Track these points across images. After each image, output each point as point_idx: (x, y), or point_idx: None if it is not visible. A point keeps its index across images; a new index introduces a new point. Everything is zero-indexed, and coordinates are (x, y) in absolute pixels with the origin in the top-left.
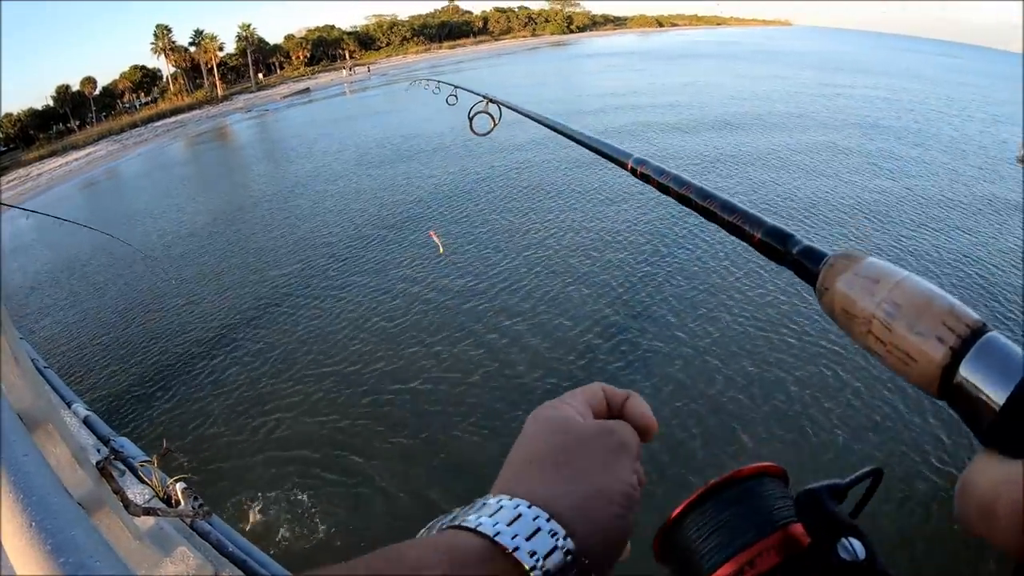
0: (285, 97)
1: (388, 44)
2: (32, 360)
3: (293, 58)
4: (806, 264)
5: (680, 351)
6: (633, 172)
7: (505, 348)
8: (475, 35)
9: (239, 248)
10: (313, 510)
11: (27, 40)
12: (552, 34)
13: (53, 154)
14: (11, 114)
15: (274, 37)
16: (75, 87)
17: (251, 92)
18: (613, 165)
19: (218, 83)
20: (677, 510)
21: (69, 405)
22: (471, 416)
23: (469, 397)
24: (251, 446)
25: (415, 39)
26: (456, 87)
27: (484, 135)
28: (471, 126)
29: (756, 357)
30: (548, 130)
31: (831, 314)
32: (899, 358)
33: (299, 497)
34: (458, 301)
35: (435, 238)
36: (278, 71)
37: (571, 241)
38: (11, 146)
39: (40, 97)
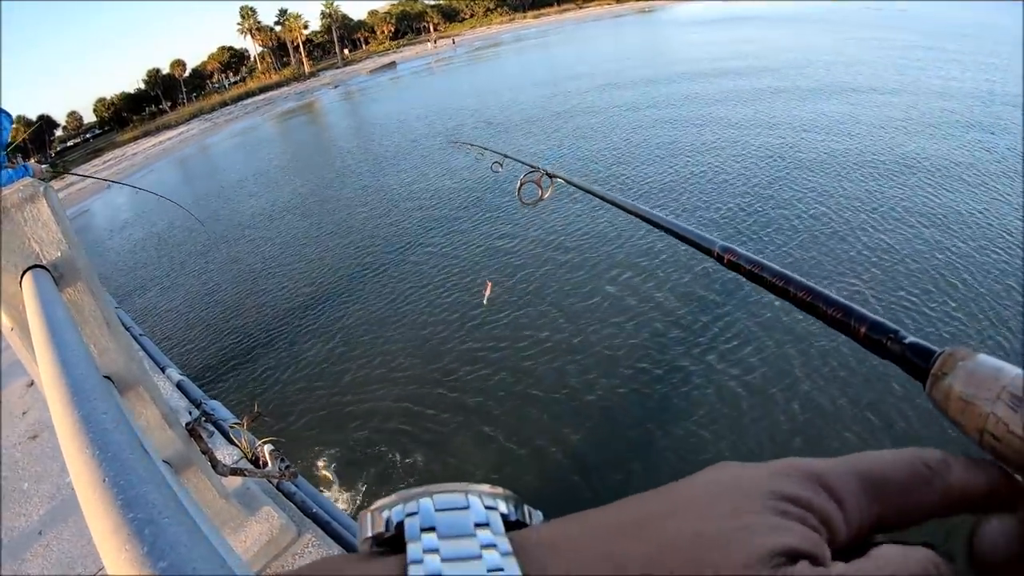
0: (371, 72)
1: (472, 15)
2: (128, 328)
3: (378, 32)
4: (914, 360)
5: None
6: (719, 259)
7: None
8: (559, 3)
9: (325, 225)
10: (395, 477)
11: (118, 27)
12: (638, 0)
13: (147, 134)
14: (104, 98)
15: (358, 13)
16: (165, 70)
17: (337, 68)
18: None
19: (304, 60)
20: None
21: (163, 370)
22: (559, 408)
23: (561, 390)
24: (337, 412)
25: (498, 9)
26: (504, 156)
27: (531, 204)
28: (519, 195)
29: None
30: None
31: (944, 410)
32: (1017, 450)
33: (382, 464)
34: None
35: (487, 289)
36: (363, 46)
37: None
38: (106, 128)
39: (133, 82)
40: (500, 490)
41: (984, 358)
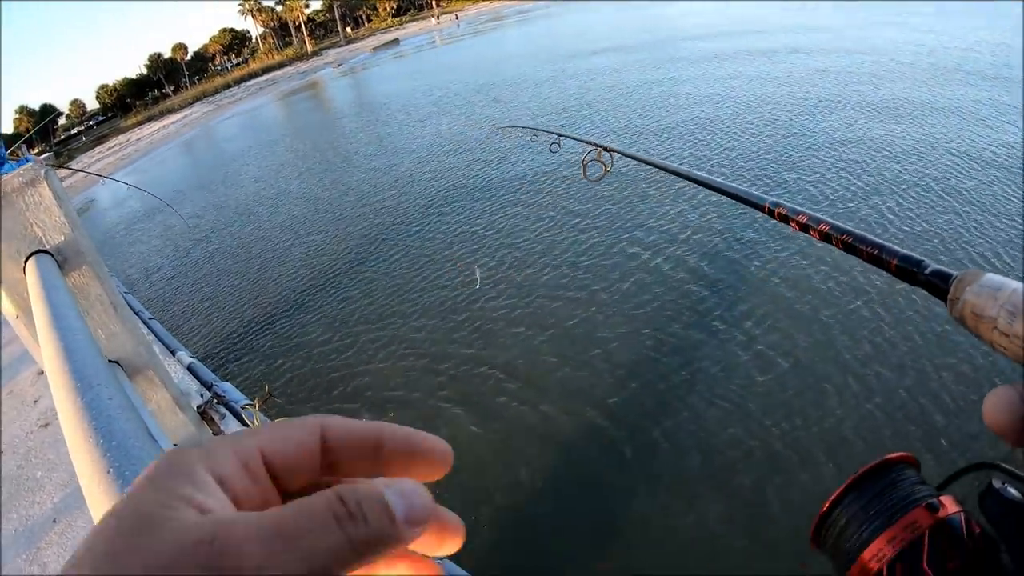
0: (375, 49)
1: None
2: (137, 312)
3: (380, 10)
4: (937, 283)
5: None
6: (771, 214)
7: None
8: None
9: (333, 208)
10: None
11: (118, 13)
12: None
13: (150, 119)
14: (107, 85)
15: None
16: (167, 55)
17: (340, 46)
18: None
19: (307, 39)
20: (828, 501)
21: (173, 353)
22: (586, 391)
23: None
24: (350, 392)
25: None
26: (560, 135)
27: (596, 180)
28: (584, 173)
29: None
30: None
31: (961, 321)
32: (1018, 350)
33: None
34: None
35: (477, 271)
36: (366, 24)
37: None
38: (109, 115)
39: (135, 68)
40: None
41: (989, 277)
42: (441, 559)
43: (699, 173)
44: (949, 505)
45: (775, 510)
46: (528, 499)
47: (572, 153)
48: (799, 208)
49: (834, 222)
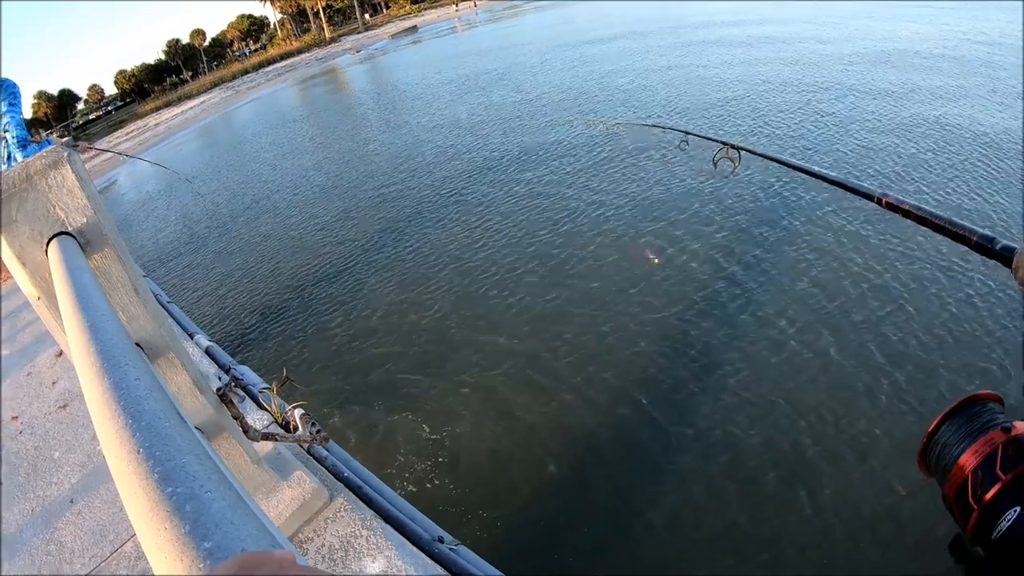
0: (393, 36)
1: None
2: (156, 296)
3: None
4: (1006, 254)
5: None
6: (879, 203)
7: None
8: None
9: (352, 196)
10: (428, 440)
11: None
12: None
13: (168, 104)
14: (125, 70)
15: None
16: (185, 40)
17: (358, 33)
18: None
19: (325, 26)
20: (928, 428)
21: (191, 336)
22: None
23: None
24: (368, 376)
25: None
26: (688, 133)
27: (727, 176)
28: (715, 168)
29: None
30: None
31: (1022, 283)
32: None
33: (413, 428)
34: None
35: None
36: (384, 11)
37: None
38: (128, 100)
39: (153, 54)
40: None
41: None
42: (455, 547)
43: (813, 167)
44: (1020, 428)
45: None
46: (557, 492)
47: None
48: (902, 198)
49: (931, 209)
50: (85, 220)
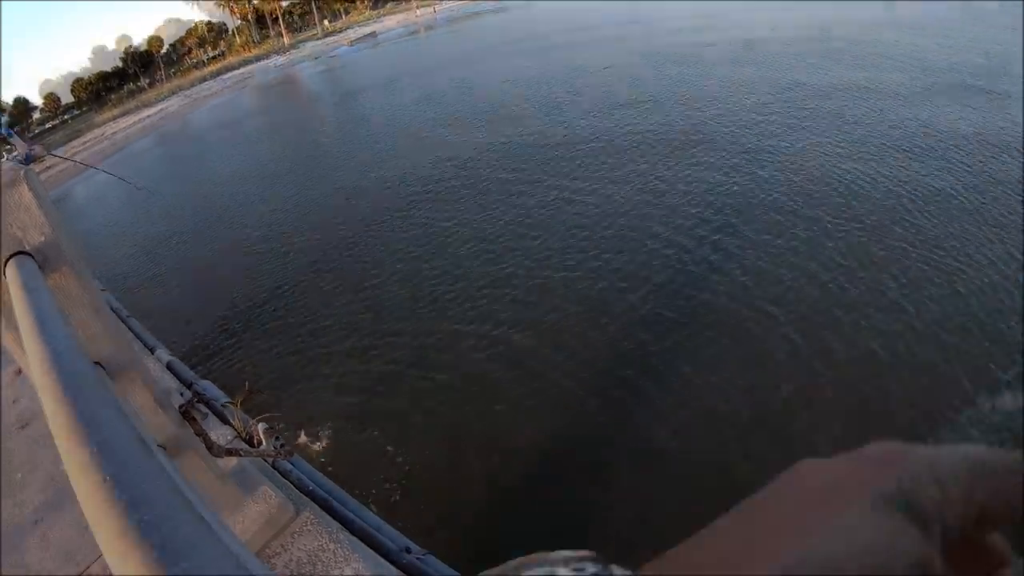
0: (352, 42)
1: None
2: (115, 310)
3: (358, 2)
4: None
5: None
6: None
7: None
8: None
9: (310, 196)
10: (395, 451)
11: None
12: None
13: (125, 113)
14: (81, 79)
15: None
16: (143, 47)
17: (318, 39)
18: None
19: (284, 32)
20: None
21: (152, 351)
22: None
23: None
24: (332, 386)
25: None
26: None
27: None
28: None
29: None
30: None
31: None
32: None
33: (378, 438)
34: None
35: None
36: (343, 16)
37: None
38: (84, 109)
39: (110, 61)
40: (585, 553)
41: None
42: (423, 556)
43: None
44: None
45: None
46: (520, 495)
47: None
48: None
49: None
50: (43, 238)
